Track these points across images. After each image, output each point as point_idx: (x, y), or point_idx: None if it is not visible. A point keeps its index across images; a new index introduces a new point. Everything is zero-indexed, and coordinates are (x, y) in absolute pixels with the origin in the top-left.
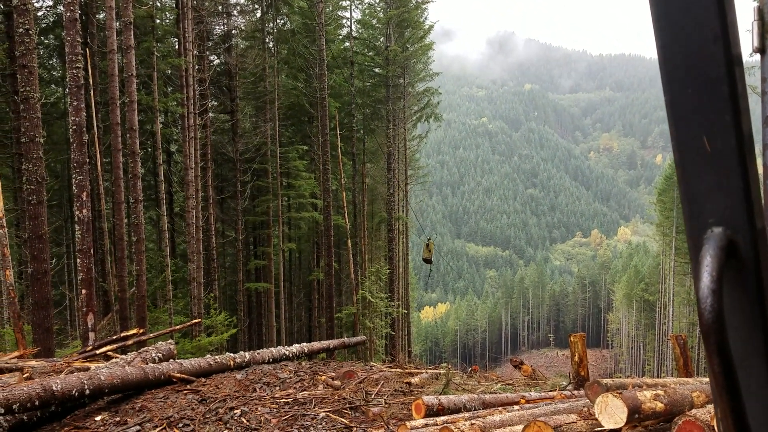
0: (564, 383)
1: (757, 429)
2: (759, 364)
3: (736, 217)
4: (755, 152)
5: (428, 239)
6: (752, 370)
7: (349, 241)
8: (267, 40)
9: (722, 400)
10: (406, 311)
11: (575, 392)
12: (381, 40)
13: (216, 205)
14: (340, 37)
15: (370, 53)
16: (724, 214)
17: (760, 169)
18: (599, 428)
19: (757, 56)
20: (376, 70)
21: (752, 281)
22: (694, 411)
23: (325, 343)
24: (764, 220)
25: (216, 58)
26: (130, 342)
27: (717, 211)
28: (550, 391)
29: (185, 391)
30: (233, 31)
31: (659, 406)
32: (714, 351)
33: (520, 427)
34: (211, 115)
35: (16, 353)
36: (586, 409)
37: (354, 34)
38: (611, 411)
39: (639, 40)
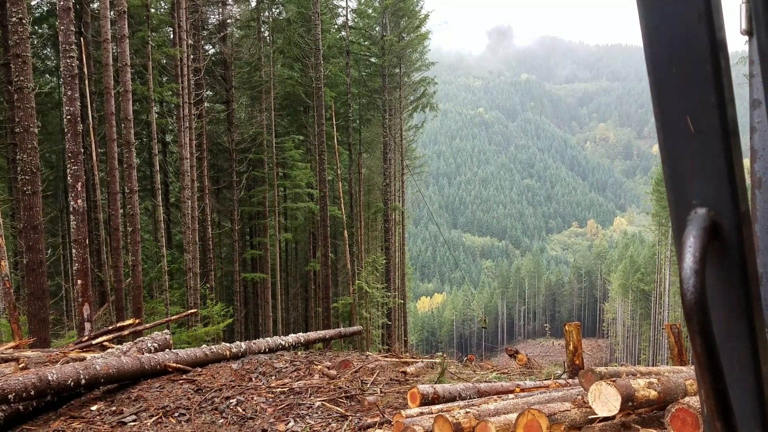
0: (559, 372)
1: (739, 409)
2: (741, 345)
3: (720, 198)
4: (739, 134)
5: (485, 320)
6: (735, 351)
7: (346, 231)
8: (262, 29)
9: (705, 381)
10: (402, 301)
11: (570, 381)
12: (377, 29)
13: (212, 195)
14: (336, 26)
15: (366, 43)
16: (708, 195)
17: (747, 153)
18: (593, 416)
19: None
20: (372, 59)
21: (735, 262)
22: (687, 399)
23: (321, 333)
24: (747, 202)
25: (211, 47)
26: (126, 332)
27: (701, 192)
28: (545, 379)
29: (181, 381)
30: (228, 21)
31: (653, 394)
32: (696, 331)
33: (515, 415)
34: (206, 105)
35: (12, 343)
36: (580, 397)
37: (350, 23)
38: (605, 399)
39: (636, 31)
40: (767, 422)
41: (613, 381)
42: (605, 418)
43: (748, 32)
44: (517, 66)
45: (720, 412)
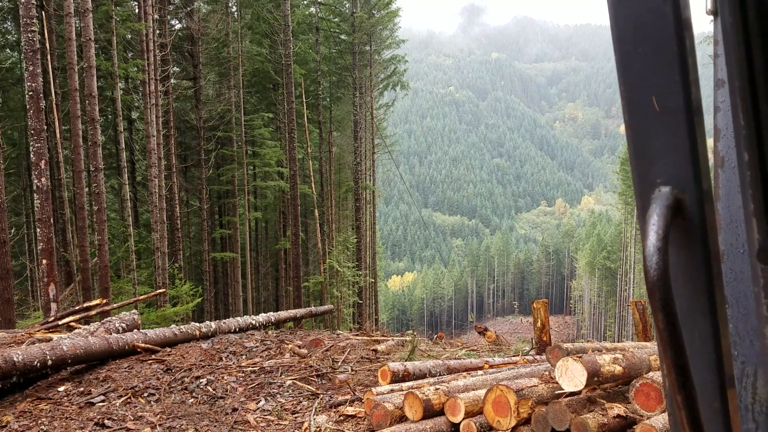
0: (527, 348)
1: (700, 383)
2: (702, 320)
3: (683, 177)
4: (703, 114)
5: (472, 316)
6: (696, 327)
7: (316, 210)
8: (230, 4)
9: (666, 355)
10: (373, 280)
11: (538, 357)
12: (346, 5)
13: (179, 173)
14: (305, 2)
15: (336, 19)
16: (672, 174)
17: (711, 132)
18: (560, 391)
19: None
20: (342, 36)
21: (698, 240)
22: (651, 374)
23: (292, 312)
24: (710, 180)
25: (177, 22)
26: (93, 312)
27: (665, 170)
28: (513, 356)
29: (150, 361)
30: None
31: (618, 369)
32: (659, 308)
33: (484, 391)
34: (173, 81)
35: None
36: (547, 373)
37: None
38: (571, 374)
39: (605, 10)
40: (725, 396)
41: (580, 357)
42: (572, 393)
43: (713, 12)
44: (487, 44)
45: (681, 385)
